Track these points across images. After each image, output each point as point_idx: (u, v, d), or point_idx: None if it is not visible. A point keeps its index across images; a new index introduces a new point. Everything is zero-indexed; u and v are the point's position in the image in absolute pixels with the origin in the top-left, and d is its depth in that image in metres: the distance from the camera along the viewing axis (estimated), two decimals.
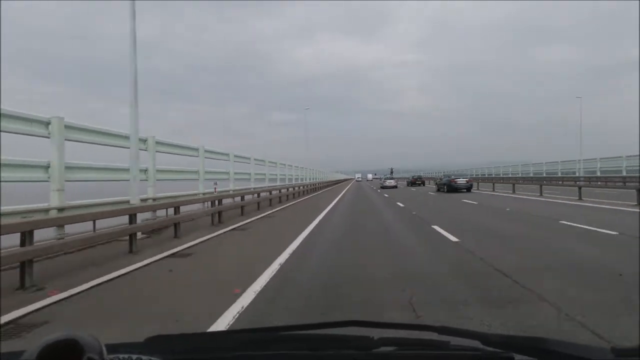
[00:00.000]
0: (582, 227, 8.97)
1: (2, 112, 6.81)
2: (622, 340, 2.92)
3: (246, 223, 11.75)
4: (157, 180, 11.17)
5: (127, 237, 7.36)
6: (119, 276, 5.51)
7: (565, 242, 7.42)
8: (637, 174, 26.83)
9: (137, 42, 8.86)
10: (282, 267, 5.78)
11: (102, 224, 7.80)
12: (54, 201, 7.70)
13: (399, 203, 18.79)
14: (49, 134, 7.76)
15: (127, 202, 8.78)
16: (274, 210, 16.52)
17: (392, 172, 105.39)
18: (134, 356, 0.91)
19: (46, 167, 7.69)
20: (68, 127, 7.99)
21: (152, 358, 0.92)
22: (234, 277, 5.26)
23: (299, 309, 3.91)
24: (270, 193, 20.15)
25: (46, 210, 7.62)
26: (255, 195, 17.01)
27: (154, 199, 10.79)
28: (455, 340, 1.03)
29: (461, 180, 29.23)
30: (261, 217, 13.63)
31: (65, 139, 7.94)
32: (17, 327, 3.65)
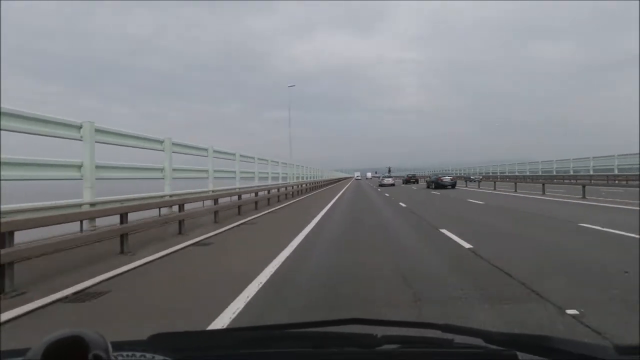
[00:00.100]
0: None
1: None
2: None
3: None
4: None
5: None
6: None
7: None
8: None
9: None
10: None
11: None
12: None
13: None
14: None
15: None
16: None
17: (389, 171, 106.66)
18: (138, 353, 0.92)
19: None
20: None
21: (155, 355, 0.93)
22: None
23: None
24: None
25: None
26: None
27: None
28: (458, 338, 1.03)
29: (446, 178, 35.47)
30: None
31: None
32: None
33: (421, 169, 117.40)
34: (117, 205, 8.29)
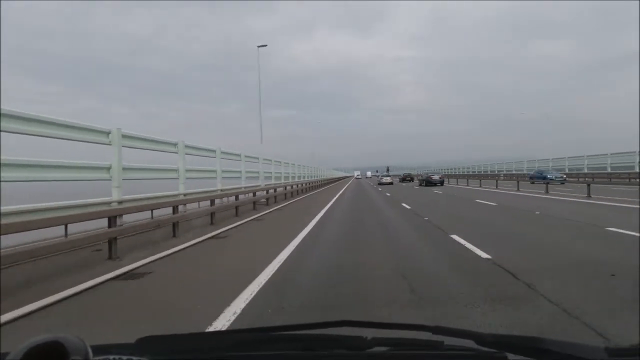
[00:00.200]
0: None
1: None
2: None
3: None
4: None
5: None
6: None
7: None
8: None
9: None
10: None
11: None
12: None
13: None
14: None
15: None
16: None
17: (388, 170, 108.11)
18: (125, 357, 0.92)
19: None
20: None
21: (142, 359, 0.94)
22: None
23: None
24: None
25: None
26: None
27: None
28: (449, 340, 1.03)
29: (435, 177, 40.41)
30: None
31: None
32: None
33: (418, 168, 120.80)
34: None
